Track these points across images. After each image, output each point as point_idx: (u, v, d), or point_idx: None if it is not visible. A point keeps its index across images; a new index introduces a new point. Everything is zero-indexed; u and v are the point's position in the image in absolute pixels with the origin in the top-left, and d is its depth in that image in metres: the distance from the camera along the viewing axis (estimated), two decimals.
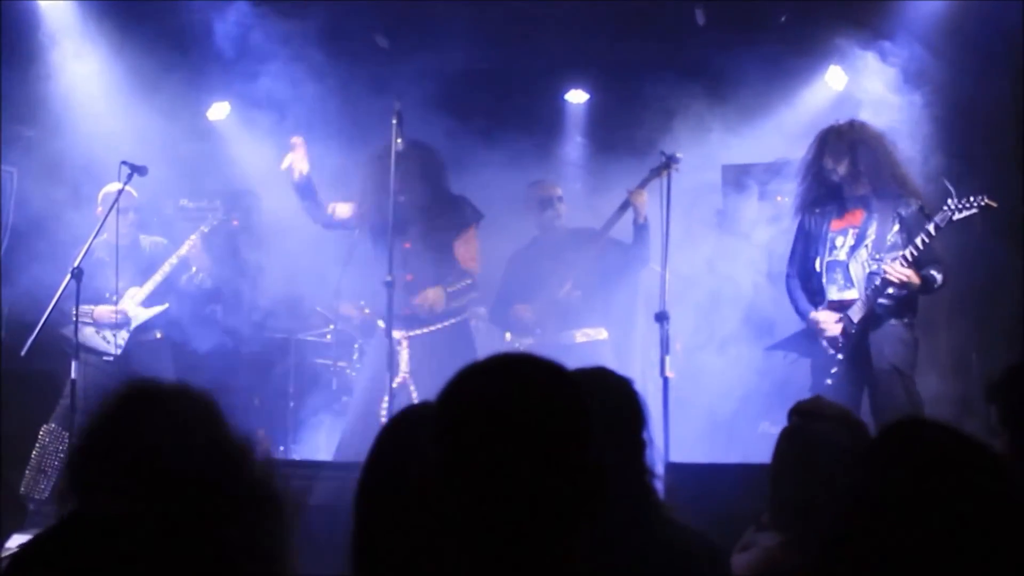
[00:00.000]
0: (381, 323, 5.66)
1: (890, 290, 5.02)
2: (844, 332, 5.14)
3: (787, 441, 2.69)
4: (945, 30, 6.26)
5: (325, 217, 6.02)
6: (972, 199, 4.83)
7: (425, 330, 5.89)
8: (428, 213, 5.89)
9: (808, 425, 2.67)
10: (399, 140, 5.41)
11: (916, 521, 1.58)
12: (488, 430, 1.48)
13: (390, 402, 5.38)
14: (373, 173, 5.69)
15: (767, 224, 6.50)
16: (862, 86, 6.16)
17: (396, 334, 5.70)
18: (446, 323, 5.91)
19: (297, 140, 5.80)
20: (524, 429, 1.48)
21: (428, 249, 5.87)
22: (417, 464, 1.91)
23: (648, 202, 6.07)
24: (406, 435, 2.00)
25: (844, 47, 6.25)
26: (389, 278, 5.36)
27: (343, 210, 6.00)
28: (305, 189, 5.87)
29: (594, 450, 1.52)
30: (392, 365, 5.53)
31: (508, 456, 1.46)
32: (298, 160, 5.77)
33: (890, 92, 5.92)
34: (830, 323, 5.16)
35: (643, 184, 6.08)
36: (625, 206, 6.24)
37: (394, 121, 5.40)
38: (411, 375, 5.78)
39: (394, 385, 5.62)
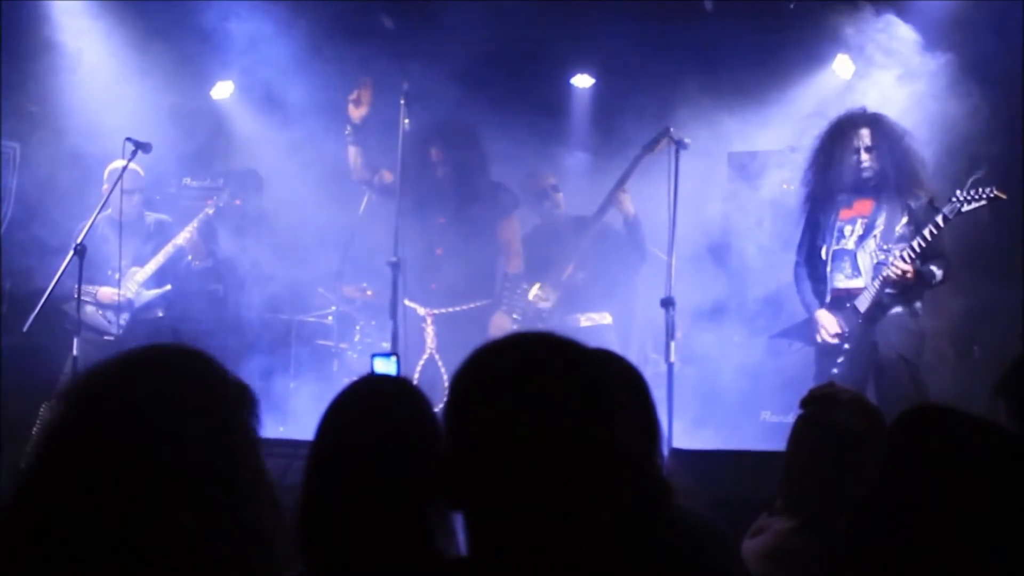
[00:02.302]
0: (407, 302, 5.68)
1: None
2: (850, 321, 5.12)
3: (803, 427, 2.67)
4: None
5: (368, 173, 6.10)
6: (981, 190, 4.79)
7: (449, 309, 5.97)
8: (467, 191, 5.99)
9: (824, 411, 2.65)
10: (407, 120, 5.42)
11: (940, 504, 1.58)
12: (505, 409, 1.41)
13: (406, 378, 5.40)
14: (409, 149, 5.69)
15: (772, 212, 6.48)
16: (873, 58, 6.10)
17: (420, 310, 5.84)
18: (470, 305, 5.98)
19: (366, 80, 5.89)
20: (543, 409, 1.41)
21: (462, 225, 5.96)
22: (366, 435, 1.92)
23: (654, 182, 6.03)
24: (355, 407, 2.02)
25: (855, 23, 6.19)
26: (395, 259, 5.34)
27: (388, 176, 6.08)
28: (363, 132, 5.94)
29: (617, 433, 1.46)
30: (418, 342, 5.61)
31: (526, 436, 1.40)
32: (363, 97, 5.84)
33: (903, 61, 5.88)
34: (830, 327, 5.16)
35: (638, 158, 6.03)
36: (608, 205, 6.22)
37: (402, 101, 5.43)
38: (438, 351, 5.89)
39: (421, 361, 5.69)
